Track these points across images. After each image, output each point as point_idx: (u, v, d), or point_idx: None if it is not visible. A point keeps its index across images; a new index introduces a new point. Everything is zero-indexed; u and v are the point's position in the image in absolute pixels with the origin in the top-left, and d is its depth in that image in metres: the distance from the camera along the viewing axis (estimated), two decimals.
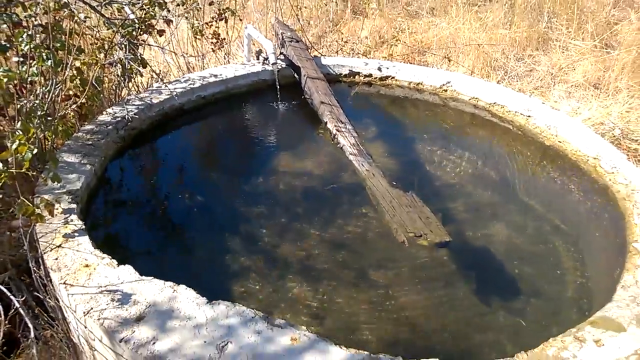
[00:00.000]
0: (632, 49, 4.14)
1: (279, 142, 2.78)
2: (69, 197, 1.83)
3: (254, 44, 3.44)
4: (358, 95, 3.28)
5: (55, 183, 1.80)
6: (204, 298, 1.44)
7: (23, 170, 1.50)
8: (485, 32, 4.65)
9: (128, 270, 1.52)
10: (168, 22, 2.82)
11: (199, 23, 3.56)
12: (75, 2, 2.25)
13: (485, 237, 2.14)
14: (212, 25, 3.64)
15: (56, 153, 2.08)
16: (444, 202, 2.34)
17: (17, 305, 1.48)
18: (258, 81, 3.17)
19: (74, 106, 2.29)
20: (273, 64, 3.05)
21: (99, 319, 1.34)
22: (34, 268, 1.52)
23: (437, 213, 2.00)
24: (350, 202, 2.29)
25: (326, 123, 2.65)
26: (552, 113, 2.81)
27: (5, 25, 2.11)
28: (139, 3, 2.44)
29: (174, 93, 2.68)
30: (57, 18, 2.26)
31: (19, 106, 1.73)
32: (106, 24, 2.43)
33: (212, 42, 3.65)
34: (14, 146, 1.45)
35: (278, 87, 3.07)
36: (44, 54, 1.99)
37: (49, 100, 1.92)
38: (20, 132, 1.50)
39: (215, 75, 3.02)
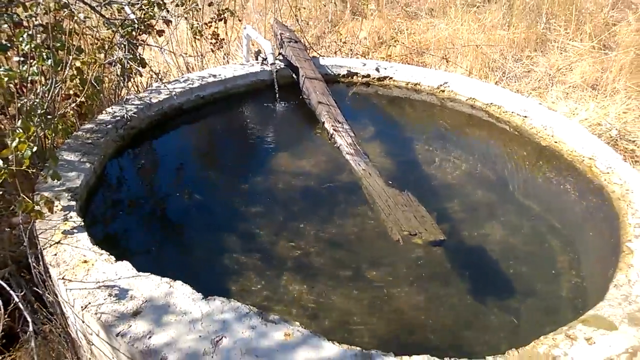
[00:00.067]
0: (630, 50, 4.15)
1: (277, 142, 2.80)
2: (68, 194, 1.86)
3: (253, 45, 3.46)
4: (356, 95, 3.30)
5: (55, 181, 1.83)
6: (200, 294, 1.46)
7: (23, 168, 1.53)
8: (484, 33, 4.67)
9: (125, 266, 1.54)
10: (167, 22, 2.85)
11: (198, 23, 3.58)
12: (76, 2, 2.28)
13: (481, 237, 2.15)
14: (211, 25, 3.67)
15: (56, 151, 2.11)
16: (440, 201, 2.35)
17: (16, 300, 1.50)
18: (257, 81, 3.19)
19: (73, 105, 2.31)
20: (271, 64, 3.08)
21: (96, 314, 1.37)
22: (34, 264, 1.55)
23: (432, 212, 2.01)
24: (347, 201, 2.31)
25: (323, 123, 2.67)
26: (548, 113, 2.83)
27: (6, 25, 2.14)
28: (138, 3, 2.46)
29: (173, 93, 2.70)
30: (57, 18, 2.29)
31: (19, 105, 1.76)
32: (106, 24, 2.46)
33: (211, 43, 3.68)
34: (14, 144, 1.48)
35: (276, 87, 3.09)
36: (44, 54, 2.02)
37: (49, 99, 1.94)
38: (21, 130, 1.52)
39: (214, 76, 3.05)
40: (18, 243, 1.86)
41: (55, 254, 1.58)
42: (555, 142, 2.69)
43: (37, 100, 1.82)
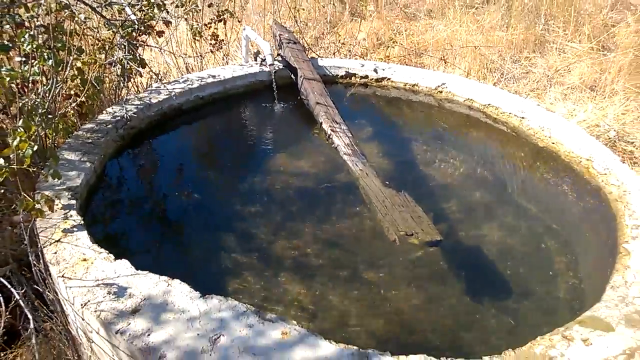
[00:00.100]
0: (629, 51, 4.17)
1: (275, 142, 2.82)
2: (68, 193, 1.88)
3: (252, 46, 3.48)
4: (354, 96, 3.32)
5: (56, 180, 1.85)
6: (198, 292, 1.47)
7: (24, 167, 1.55)
8: (482, 34, 4.69)
9: (124, 265, 1.56)
10: (167, 23, 2.87)
11: (198, 24, 3.60)
12: (77, 3, 2.30)
13: (478, 237, 2.16)
14: (210, 26, 3.68)
15: (57, 151, 2.12)
16: (437, 202, 2.37)
17: (17, 297, 1.52)
18: (255, 82, 3.21)
19: (74, 105, 2.33)
20: (270, 65, 3.09)
21: (95, 311, 1.38)
22: (34, 262, 1.56)
23: (429, 213, 2.02)
24: (344, 201, 2.32)
25: (321, 123, 2.68)
26: (546, 114, 2.85)
27: (8, 26, 2.16)
28: (138, 5, 2.48)
29: (173, 93, 2.72)
30: (58, 19, 2.31)
31: (20, 104, 1.78)
32: (106, 25, 2.48)
33: (210, 44, 3.70)
34: (15, 142, 1.50)
35: (275, 87, 3.11)
36: (45, 54, 2.04)
37: (49, 98, 1.96)
38: (22, 129, 1.54)
39: (214, 76, 3.06)
40: (19, 241, 1.87)
41: (56, 252, 1.59)
42: (553, 143, 2.70)
43: (38, 99, 1.84)
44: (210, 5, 3.80)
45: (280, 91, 3.13)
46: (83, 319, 1.44)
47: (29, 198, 1.58)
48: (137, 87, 3.30)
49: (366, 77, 3.40)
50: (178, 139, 2.82)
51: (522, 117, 2.89)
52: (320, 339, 1.35)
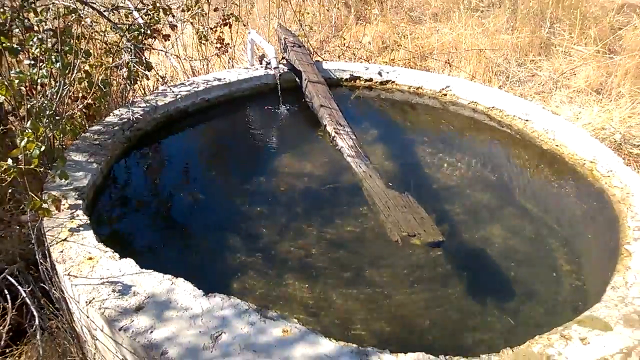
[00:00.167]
0: (635, 54, 4.15)
1: (279, 144, 2.84)
2: (75, 193, 1.91)
3: (257, 49, 3.52)
4: (358, 99, 3.33)
5: (63, 180, 1.88)
6: (201, 290, 1.49)
7: (32, 167, 1.58)
8: (488, 37, 4.69)
9: (129, 263, 1.58)
10: (173, 27, 2.91)
11: (204, 28, 3.64)
12: (84, 7, 2.34)
13: (482, 239, 2.17)
14: (216, 30, 3.73)
15: (65, 152, 2.16)
16: (441, 204, 2.37)
17: (23, 294, 1.55)
18: (260, 85, 3.24)
19: (81, 106, 2.37)
20: (275, 68, 3.12)
21: (100, 309, 1.41)
22: (41, 260, 1.59)
23: (432, 214, 2.02)
24: (348, 202, 2.33)
25: (325, 126, 2.70)
26: (550, 117, 2.85)
27: (17, 30, 2.20)
28: (144, 9, 2.52)
29: (179, 96, 2.76)
30: (66, 23, 2.35)
31: (29, 106, 1.82)
32: (113, 29, 2.52)
33: (216, 47, 3.74)
34: (23, 143, 1.53)
35: (280, 90, 3.13)
36: (53, 57, 2.08)
37: (57, 100, 2.00)
38: (30, 130, 1.58)
39: (219, 79, 3.10)
40: (27, 241, 1.91)
41: (62, 251, 1.62)
42: (557, 145, 2.70)
43: (46, 102, 1.88)
44: (216, 10, 3.84)
45: (285, 94, 3.15)
46: (88, 317, 1.46)
47: (36, 198, 1.62)
48: (144, 89, 3.34)
49: (371, 80, 3.42)
50: (184, 140, 2.86)
51: (527, 120, 2.89)
52: (321, 337, 1.36)
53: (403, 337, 1.72)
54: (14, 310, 1.56)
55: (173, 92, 2.81)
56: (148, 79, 3.01)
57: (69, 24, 2.34)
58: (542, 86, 4.23)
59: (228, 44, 3.79)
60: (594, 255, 2.12)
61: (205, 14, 3.62)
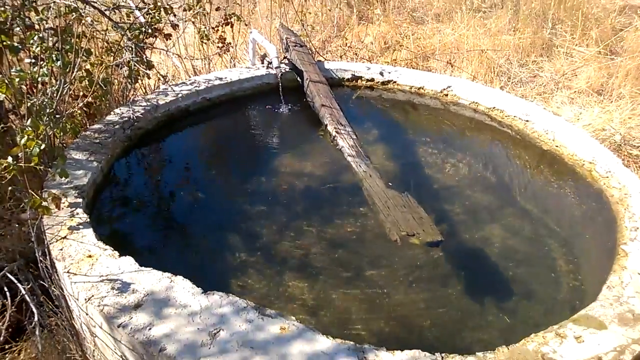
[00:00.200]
0: (636, 55, 4.15)
1: (280, 143, 2.85)
2: (75, 191, 1.92)
3: (259, 48, 3.52)
4: (360, 98, 3.34)
5: (63, 178, 1.89)
6: (199, 288, 1.50)
7: (32, 165, 1.58)
8: (490, 38, 4.69)
9: (128, 261, 1.59)
10: (174, 26, 2.91)
11: (205, 28, 3.65)
12: (85, 6, 2.35)
13: (481, 239, 2.17)
14: (218, 30, 3.73)
15: (65, 150, 2.17)
16: (441, 204, 2.38)
17: (23, 292, 1.55)
18: (262, 84, 3.25)
19: (81, 105, 2.37)
20: (276, 67, 3.13)
21: (99, 306, 1.42)
22: (41, 258, 1.60)
23: (432, 214, 2.03)
24: (349, 202, 2.34)
25: (326, 125, 2.71)
26: (550, 118, 2.85)
27: (18, 28, 2.21)
28: (145, 8, 2.53)
29: (180, 95, 2.76)
30: (67, 22, 2.36)
31: (29, 104, 1.82)
32: (114, 28, 2.53)
33: (218, 46, 3.74)
34: (23, 141, 1.53)
35: (281, 90, 3.14)
36: (54, 56, 2.08)
37: (57, 99, 2.01)
38: (30, 128, 1.58)
39: (221, 78, 3.10)
40: (27, 239, 1.92)
41: (61, 249, 1.63)
42: (557, 146, 2.70)
43: (47, 100, 1.89)
44: (218, 9, 3.85)
45: (287, 93, 3.15)
46: (87, 314, 1.47)
47: (36, 196, 1.62)
48: (145, 88, 3.35)
49: (372, 80, 3.42)
50: (184, 139, 2.86)
51: (527, 120, 2.89)
52: (318, 334, 1.37)
53: (402, 337, 1.73)
54: (13, 308, 1.57)
55: (174, 91, 2.82)
56: (149, 77, 3.02)
57: (70, 22, 2.35)
58: (544, 87, 4.23)
59: (230, 43, 3.80)
60: (592, 255, 2.13)
61: (207, 14, 3.63)
